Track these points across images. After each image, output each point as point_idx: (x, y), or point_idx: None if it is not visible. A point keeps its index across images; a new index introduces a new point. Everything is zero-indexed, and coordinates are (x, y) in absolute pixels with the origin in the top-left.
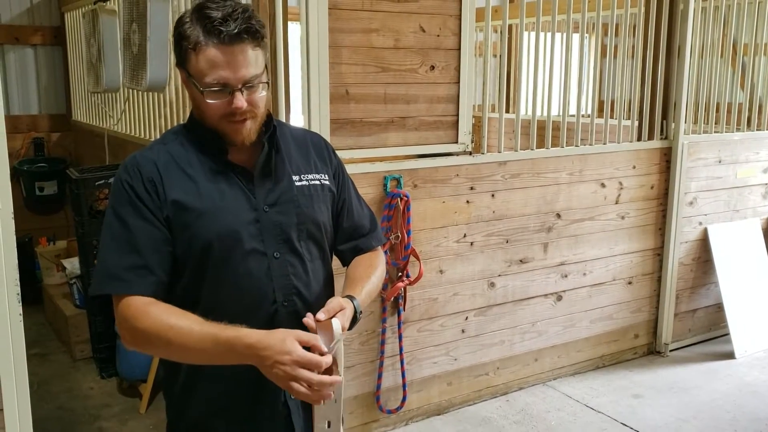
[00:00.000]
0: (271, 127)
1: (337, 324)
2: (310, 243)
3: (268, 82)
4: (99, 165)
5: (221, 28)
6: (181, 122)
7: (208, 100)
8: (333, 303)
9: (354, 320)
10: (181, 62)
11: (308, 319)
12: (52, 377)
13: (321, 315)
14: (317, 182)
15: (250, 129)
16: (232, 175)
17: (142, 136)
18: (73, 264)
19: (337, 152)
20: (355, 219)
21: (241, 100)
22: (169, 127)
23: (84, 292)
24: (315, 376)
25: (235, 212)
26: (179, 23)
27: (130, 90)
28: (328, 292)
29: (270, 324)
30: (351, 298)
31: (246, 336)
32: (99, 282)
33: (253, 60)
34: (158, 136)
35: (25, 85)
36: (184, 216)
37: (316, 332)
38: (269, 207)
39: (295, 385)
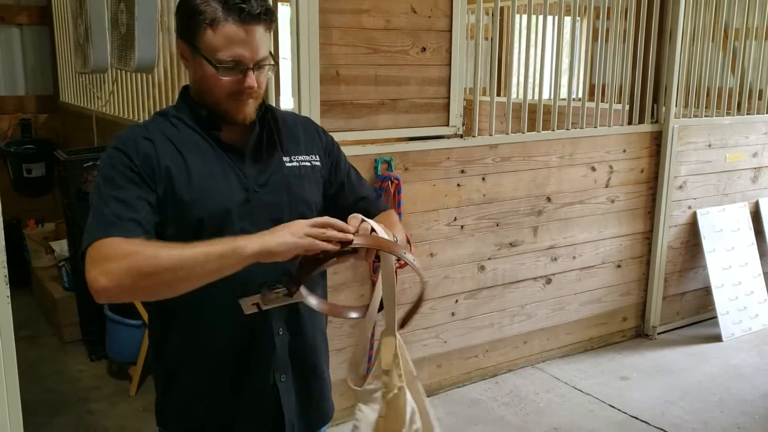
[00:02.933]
0: (263, 108)
1: (371, 225)
2: None
3: (274, 64)
4: (87, 147)
5: (243, 6)
6: (170, 104)
7: (222, 77)
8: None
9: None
10: (189, 36)
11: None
12: (41, 360)
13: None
14: (308, 163)
15: (253, 108)
16: (223, 155)
17: (131, 117)
18: (61, 246)
19: (328, 132)
20: (357, 192)
21: (252, 79)
22: (158, 108)
23: (73, 275)
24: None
25: (226, 192)
26: None
27: (119, 71)
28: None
29: (261, 311)
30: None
31: (257, 237)
32: (92, 232)
33: (265, 41)
34: (147, 118)
35: (12, 65)
36: (176, 195)
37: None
38: (260, 187)
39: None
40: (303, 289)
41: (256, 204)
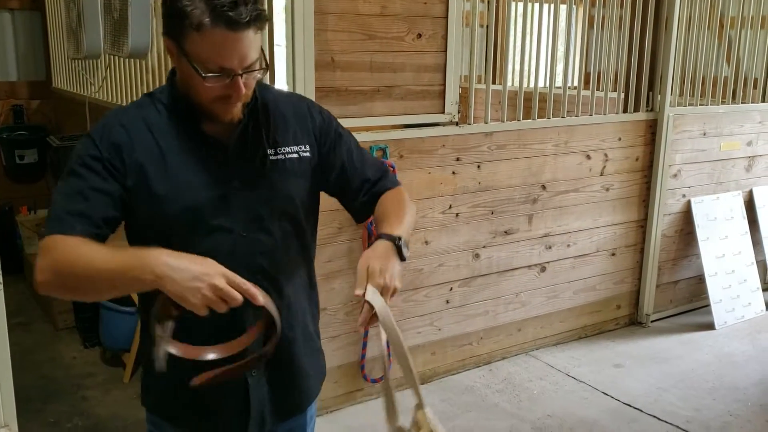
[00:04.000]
0: (252, 99)
1: (371, 295)
2: (283, 220)
3: (266, 67)
4: (80, 133)
5: (231, 15)
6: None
7: (208, 84)
8: (359, 270)
9: (400, 251)
10: (175, 36)
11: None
12: (34, 347)
13: (358, 290)
14: (294, 155)
15: (240, 108)
16: (204, 148)
17: (124, 103)
18: None
19: (324, 110)
20: (361, 173)
21: (241, 86)
22: None
23: None
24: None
25: (201, 187)
26: None
27: (112, 56)
28: (301, 266)
29: (240, 309)
30: (381, 236)
31: (162, 278)
32: (47, 225)
33: (255, 44)
34: None
35: (3, 51)
36: (149, 187)
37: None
38: (240, 183)
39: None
40: (159, 329)
41: (234, 200)
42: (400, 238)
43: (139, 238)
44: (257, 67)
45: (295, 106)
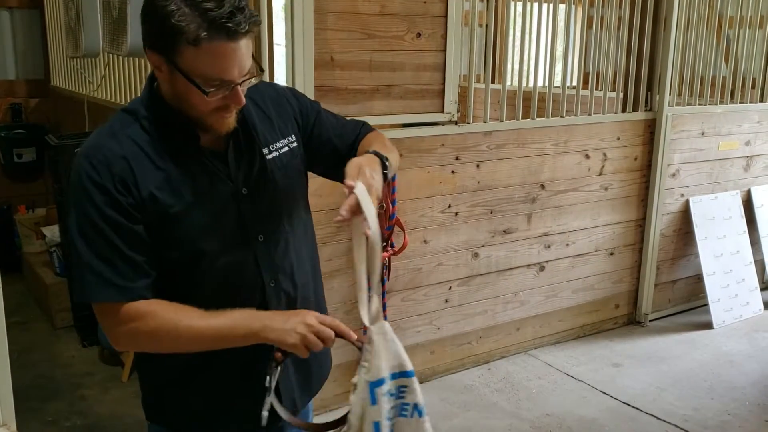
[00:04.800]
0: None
1: (360, 188)
2: (292, 216)
3: (260, 71)
4: (78, 131)
5: (230, 25)
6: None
7: (210, 98)
8: (350, 168)
9: (384, 168)
10: (167, 52)
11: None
12: (32, 346)
13: (349, 181)
14: (286, 149)
15: (234, 118)
16: (204, 162)
17: (123, 102)
18: (53, 231)
19: (294, 89)
20: (345, 139)
21: (241, 96)
22: None
23: (65, 260)
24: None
25: (214, 202)
26: (159, 8)
27: (110, 55)
28: (311, 258)
29: (261, 304)
30: (368, 152)
31: (261, 330)
32: (90, 288)
33: (249, 50)
34: None
35: (1, 49)
36: (162, 214)
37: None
38: (247, 189)
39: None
40: (267, 380)
41: (246, 208)
42: (385, 157)
43: (162, 263)
44: (252, 73)
45: (270, 98)
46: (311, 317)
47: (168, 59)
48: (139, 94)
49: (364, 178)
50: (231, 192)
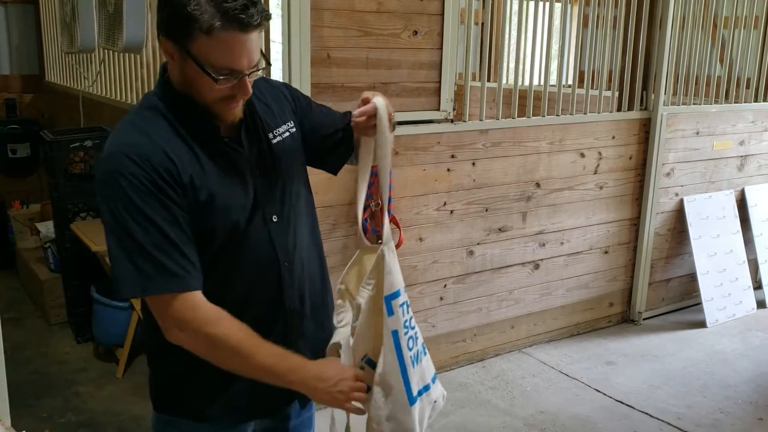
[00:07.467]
0: None
1: (379, 99)
2: (300, 197)
3: (266, 65)
4: (74, 127)
5: (243, 17)
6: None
7: (219, 86)
8: (366, 93)
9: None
10: (180, 39)
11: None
12: (27, 342)
13: (367, 94)
14: (287, 133)
15: (241, 108)
16: (225, 149)
17: (118, 98)
18: (47, 227)
19: (283, 82)
20: (334, 124)
21: (248, 86)
22: (146, 90)
23: (59, 256)
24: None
25: (240, 185)
26: None
27: (106, 50)
28: (314, 236)
29: (278, 285)
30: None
31: (311, 378)
32: (147, 281)
33: (258, 43)
34: (135, 99)
35: None
36: (200, 199)
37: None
38: (261, 172)
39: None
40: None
41: (261, 190)
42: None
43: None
44: (260, 65)
45: (266, 89)
46: (348, 382)
47: (181, 46)
48: (133, 90)
49: (380, 98)
50: (250, 175)
